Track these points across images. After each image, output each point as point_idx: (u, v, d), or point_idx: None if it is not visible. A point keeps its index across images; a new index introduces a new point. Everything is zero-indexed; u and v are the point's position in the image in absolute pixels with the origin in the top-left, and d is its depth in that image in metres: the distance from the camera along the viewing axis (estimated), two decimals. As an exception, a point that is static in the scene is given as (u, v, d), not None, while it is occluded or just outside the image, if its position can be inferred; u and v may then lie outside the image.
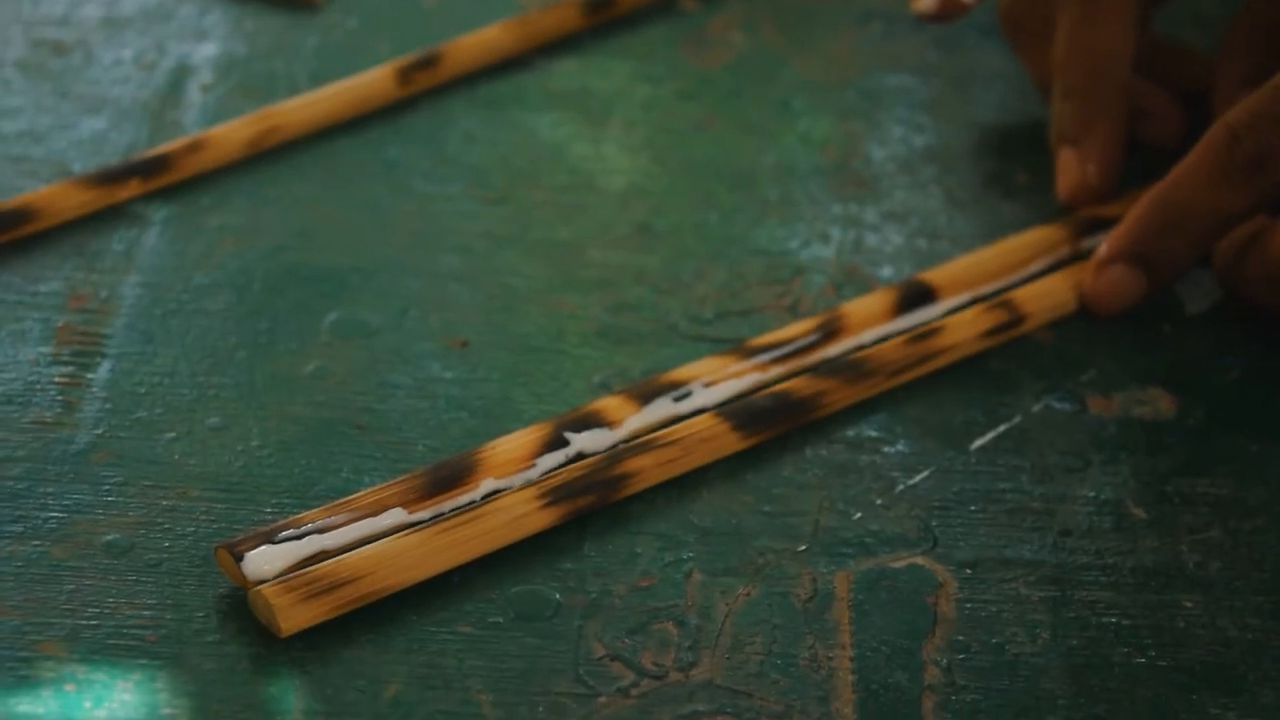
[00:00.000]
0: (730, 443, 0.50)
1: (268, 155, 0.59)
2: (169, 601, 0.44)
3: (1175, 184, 0.55)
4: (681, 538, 0.47)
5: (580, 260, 0.56)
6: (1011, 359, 0.53)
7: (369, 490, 0.47)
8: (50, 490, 0.47)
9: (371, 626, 0.44)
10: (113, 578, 0.45)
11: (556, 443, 0.49)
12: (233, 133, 0.59)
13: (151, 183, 0.57)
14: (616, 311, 0.54)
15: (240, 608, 0.44)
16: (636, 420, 0.50)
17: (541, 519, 0.47)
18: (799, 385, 0.51)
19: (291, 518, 0.46)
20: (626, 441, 0.49)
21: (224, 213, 0.57)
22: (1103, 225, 0.58)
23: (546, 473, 0.48)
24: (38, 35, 0.65)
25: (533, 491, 0.47)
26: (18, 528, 0.46)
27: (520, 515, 0.47)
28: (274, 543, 0.45)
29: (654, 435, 0.49)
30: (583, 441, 0.49)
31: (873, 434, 0.50)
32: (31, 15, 0.66)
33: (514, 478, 0.48)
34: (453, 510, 0.47)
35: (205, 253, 0.55)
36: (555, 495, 0.47)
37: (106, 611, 0.44)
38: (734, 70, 0.67)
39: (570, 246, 0.57)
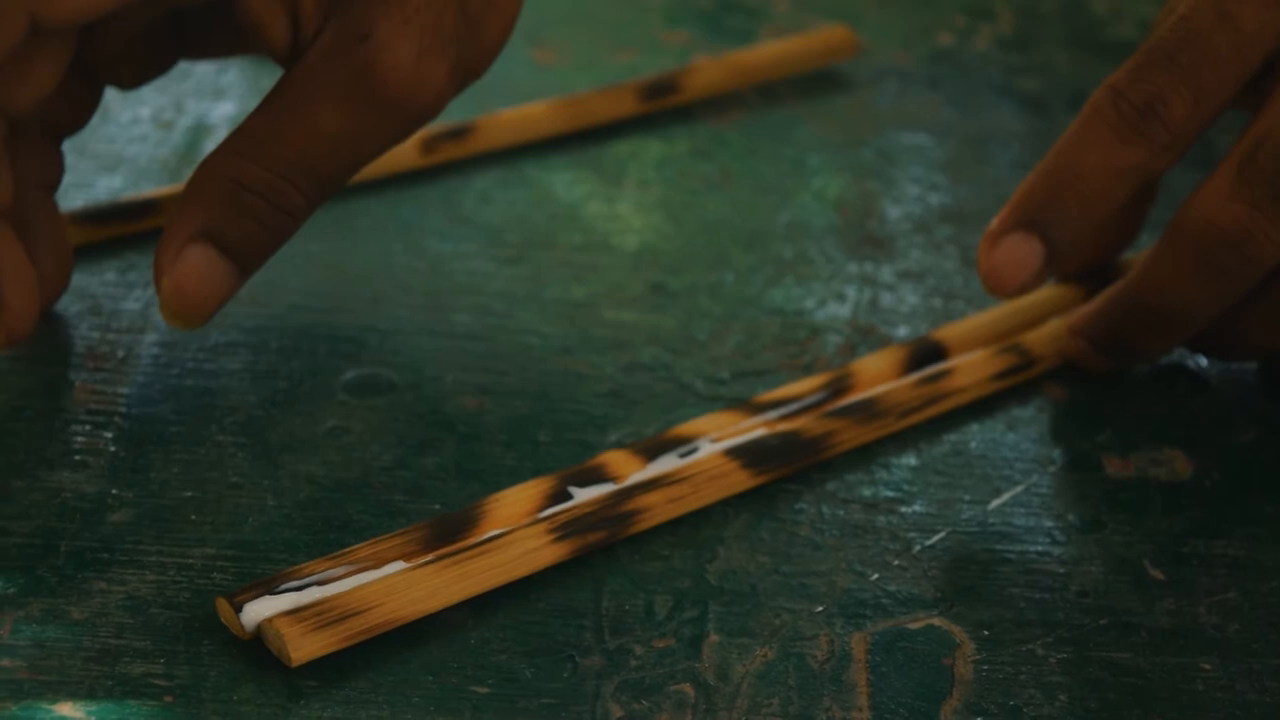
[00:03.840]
0: (740, 480, 0.50)
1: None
2: (185, 661, 0.44)
3: (1063, 149, 0.52)
4: (698, 598, 0.47)
5: (595, 320, 0.56)
6: (1027, 419, 0.53)
7: (369, 542, 0.47)
8: (67, 549, 0.47)
9: (388, 688, 0.44)
10: (129, 636, 0.45)
11: (560, 496, 0.49)
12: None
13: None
14: (631, 371, 0.54)
15: (256, 669, 0.44)
16: (641, 475, 0.50)
17: (552, 554, 0.47)
18: (809, 425, 0.51)
19: (292, 569, 0.46)
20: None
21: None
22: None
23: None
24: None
25: (543, 527, 0.48)
26: (35, 587, 0.46)
27: (530, 550, 0.47)
28: (274, 593, 0.45)
29: (663, 474, 0.49)
30: (586, 496, 0.49)
31: (889, 494, 0.50)
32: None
33: (518, 528, 0.48)
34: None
35: (222, 312, 0.55)
36: (565, 530, 0.48)
37: (122, 671, 0.44)
38: (748, 128, 0.67)
39: (585, 306, 0.57)
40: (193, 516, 0.48)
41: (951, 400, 0.53)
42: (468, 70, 0.50)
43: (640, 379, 0.54)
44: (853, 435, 0.52)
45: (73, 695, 0.43)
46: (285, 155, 0.48)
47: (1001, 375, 0.54)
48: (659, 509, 0.49)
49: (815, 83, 0.70)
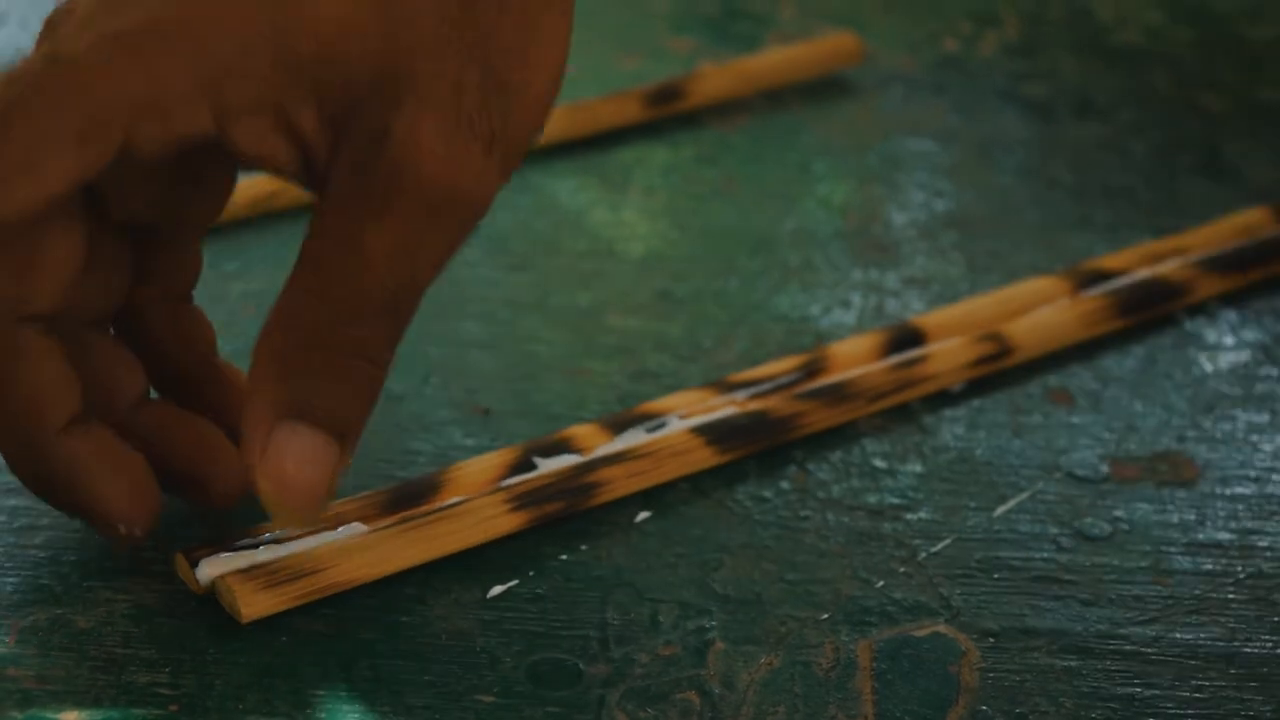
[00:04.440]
0: (704, 457, 0.50)
1: (288, 220, 0.59)
2: (190, 670, 0.44)
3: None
4: (703, 606, 0.47)
5: (601, 327, 0.56)
6: (1032, 426, 0.53)
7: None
8: (73, 559, 0.47)
9: (392, 696, 0.44)
10: (134, 645, 0.45)
11: (524, 466, 0.49)
12: (240, 192, 0.59)
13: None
14: (637, 378, 0.54)
15: (261, 679, 0.44)
16: (607, 449, 0.50)
17: (508, 522, 0.48)
18: (777, 405, 0.52)
19: (250, 528, 0.46)
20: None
21: (246, 279, 0.57)
22: (1104, 278, 0.58)
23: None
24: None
25: (500, 496, 0.48)
26: (41, 596, 0.46)
27: (487, 518, 0.48)
28: (230, 551, 0.46)
29: (626, 448, 0.50)
30: (550, 466, 0.49)
31: (895, 501, 0.50)
32: (55, 81, 0.66)
33: (478, 496, 0.48)
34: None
35: (228, 320, 0.54)
36: (523, 500, 0.48)
37: (128, 680, 0.44)
38: (753, 134, 0.67)
39: (591, 313, 0.57)
40: (198, 525, 0.48)
41: (924, 386, 0.54)
42: (509, 144, 0.43)
43: (647, 386, 0.54)
44: (822, 417, 0.52)
45: (79, 704, 0.43)
46: (348, 298, 0.43)
47: (977, 363, 0.54)
48: (620, 483, 0.49)
49: (821, 89, 0.70)
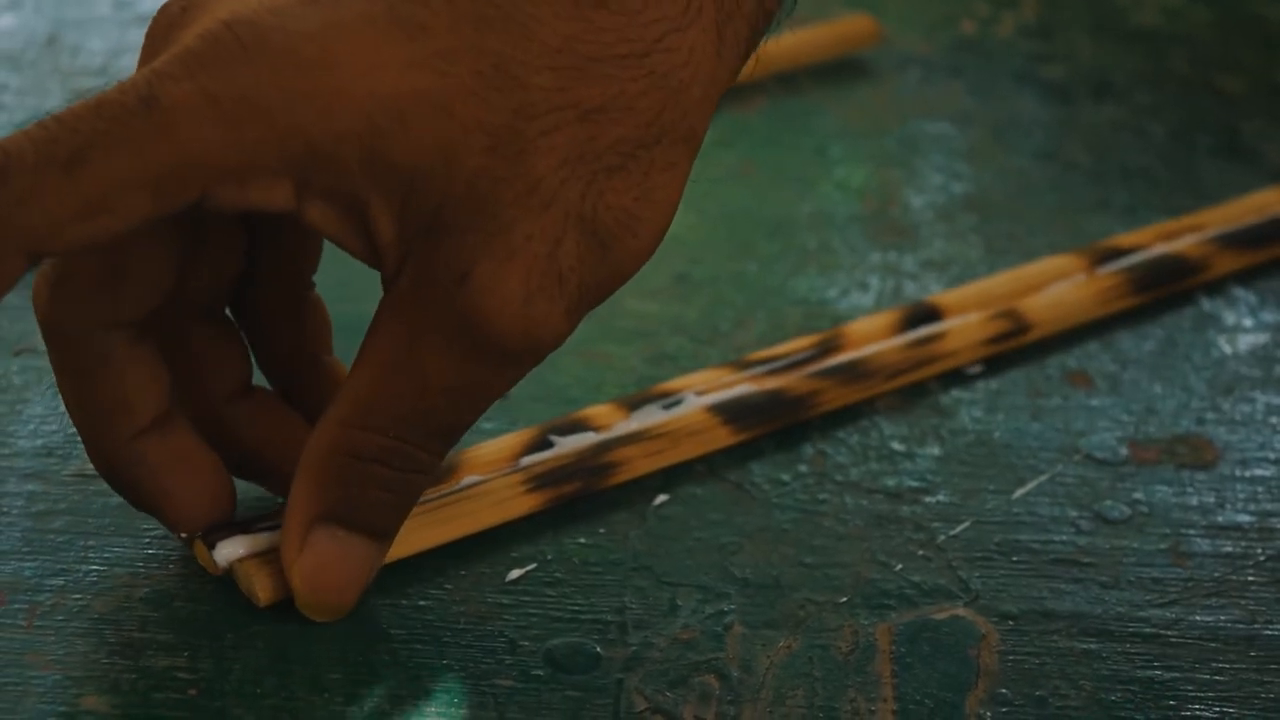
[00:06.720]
0: (720, 437, 0.50)
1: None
2: (208, 655, 0.44)
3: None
4: (722, 590, 0.47)
5: (618, 310, 0.56)
6: (1051, 408, 0.53)
7: None
8: (91, 544, 0.47)
9: (412, 680, 0.44)
10: (152, 630, 0.45)
11: (541, 445, 0.49)
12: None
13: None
14: (655, 362, 0.54)
15: (279, 663, 0.44)
16: (624, 427, 0.50)
17: (525, 503, 0.48)
18: (793, 383, 0.52)
19: (268, 510, 0.46)
20: (613, 442, 0.50)
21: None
22: (1120, 254, 0.57)
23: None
24: (76, 86, 0.65)
25: (517, 477, 0.48)
26: (59, 580, 0.46)
27: (504, 499, 0.48)
28: (248, 533, 0.45)
29: (643, 427, 0.50)
30: (568, 445, 0.49)
31: (913, 484, 0.50)
32: (70, 66, 0.66)
33: (494, 476, 0.48)
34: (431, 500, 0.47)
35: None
36: (540, 481, 0.48)
37: (147, 665, 0.44)
38: (771, 117, 0.67)
39: (608, 296, 0.57)
40: (216, 509, 0.48)
41: (941, 364, 0.54)
42: (595, 295, 0.43)
43: (664, 369, 0.54)
44: (838, 395, 0.52)
45: (97, 689, 0.43)
46: (398, 415, 0.42)
47: (993, 340, 0.54)
48: (637, 462, 0.49)
49: (837, 71, 0.70)
